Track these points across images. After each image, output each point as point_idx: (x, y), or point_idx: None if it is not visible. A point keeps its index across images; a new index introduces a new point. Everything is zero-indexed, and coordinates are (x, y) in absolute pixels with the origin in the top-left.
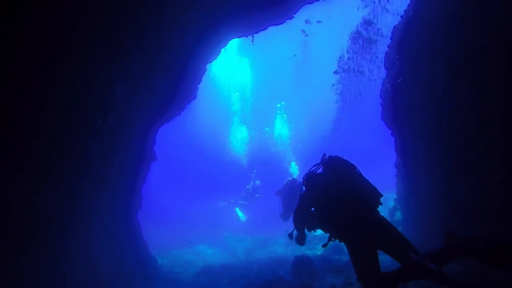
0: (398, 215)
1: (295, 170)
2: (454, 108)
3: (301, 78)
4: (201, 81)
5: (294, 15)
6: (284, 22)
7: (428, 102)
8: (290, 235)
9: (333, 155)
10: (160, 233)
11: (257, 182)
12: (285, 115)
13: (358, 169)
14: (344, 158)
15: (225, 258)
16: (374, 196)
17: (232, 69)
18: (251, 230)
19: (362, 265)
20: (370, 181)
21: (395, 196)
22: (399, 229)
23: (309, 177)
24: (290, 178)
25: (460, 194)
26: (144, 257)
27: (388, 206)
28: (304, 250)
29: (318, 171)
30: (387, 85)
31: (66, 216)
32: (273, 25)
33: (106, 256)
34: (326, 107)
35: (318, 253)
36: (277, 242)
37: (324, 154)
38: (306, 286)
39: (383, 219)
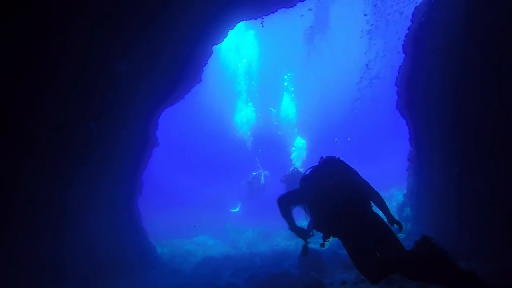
0: (408, 211)
1: (300, 143)
2: (480, 96)
3: (314, 47)
4: (207, 63)
5: None
6: (295, 5)
7: (449, 89)
8: (305, 252)
9: (328, 156)
10: (162, 221)
11: (266, 172)
12: (292, 88)
13: (352, 168)
14: (339, 158)
15: (226, 250)
16: (366, 194)
17: (238, 42)
18: (254, 222)
19: (356, 251)
20: (365, 180)
21: (405, 191)
22: (409, 225)
23: (305, 179)
24: (295, 167)
25: (482, 188)
26: (143, 245)
27: (397, 201)
28: (309, 244)
29: (314, 172)
30: (405, 72)
31: (62, 199)
32: (284, 8)
33: (105, 242)
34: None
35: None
36: (279, 235)
37: (321, 157)
38: (315, 282)
39: (374, 217)
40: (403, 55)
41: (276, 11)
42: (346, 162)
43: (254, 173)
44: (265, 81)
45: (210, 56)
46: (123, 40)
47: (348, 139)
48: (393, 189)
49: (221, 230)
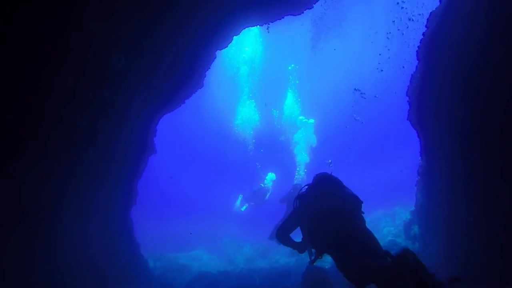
0: (416, 229)
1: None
2: (504, 102)
3: (322, 42)
4: (209, 68)
5: (313, 5)
6: (302, 13)
7: (467, 97)
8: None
9: (321, 173)
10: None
11: (271, 174)
12: (297, 81)
13: (343, 184)
14: (331, 174)
15: (223, 265)
16: (356, 209)
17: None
18: (252, 236)
19: (346, 261)
20: (355, 194)
21: (412, 208)
22: (417, 244)
23: (300, 197)
24: (293, 185)
25: (506, 204)
26: (135, 258)
27: (400, 219)
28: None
29: (308, 192)
30: (418, 80)
31: (46, 206)
32: (291, 15)
33: (93, 253)
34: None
35: (327, 266)
36: (278, 252)
37: (316, 175)
38: None
39: (363, 231)
40: (416, 63)
41: (283, 17)
42: (338, 178)
43: (262, 185)
44: (268, 76)
45: (213, 61)
46: (122, 36)
47: (329, 161)
48: (397, 207)
49: (218, 245)
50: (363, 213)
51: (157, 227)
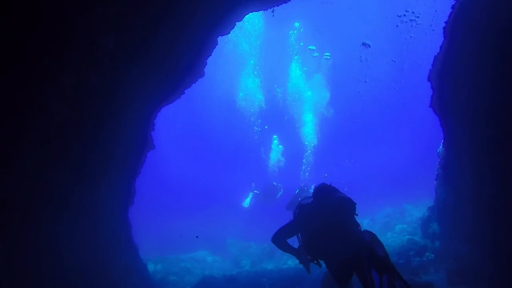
0: (435, 227)
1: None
2: None
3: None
4: (211, 55)
5: None
6: None
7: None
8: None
9: (321, 184)
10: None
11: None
12: (302, 43)
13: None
14: (331, 185)
15: (228, 268)
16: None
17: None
18: (257, 235)
19: (336, 269)
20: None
21: (432, 204)
22: (437, 243)
23: (300, 208)
24: (299, 189)
25: None
26: (131, 262)
27: (410, 216)
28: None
29: (307, 204)
30: (443, 62)
31: (28, 203)
32: None
33: (82, 258)
34: None
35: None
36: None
37: (315, 188)
38: None
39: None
40: (442, 41)
41: (289, 1)
42: (337, 189)
43: (275, 183)
44: (271, 47)
45: (215, 47)
46: (111, 14)
47: (325, 175)
48: (406, 204)
49: (222, 245)
50: (357, 215)
51: (158, 227)
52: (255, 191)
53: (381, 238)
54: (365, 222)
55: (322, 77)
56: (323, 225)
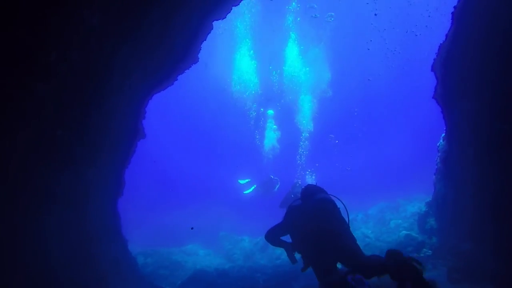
0: (432, 222)
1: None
2: None
3: None
4: (205, 39)
5: None
6: None
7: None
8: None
9: (308, 185)
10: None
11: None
12: (298, 18)
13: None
14: (316, 185)
15: (220, 262)
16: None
17: None
18: (250, 229)
19: (321, 269)
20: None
21: (429, 199)
22: (434, 239)
23: (290, 210)
24: (293, 184)
25: None
26: (120, 255)
27: (405, 212)
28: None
29: (297, 206)
30: (449, 51)
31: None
32: None
33: (66, 251)
34: None
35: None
36: None
37: (302, 190)
38: None
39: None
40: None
41: None
42: (324, 189)
43: (272, 176)
44: (266, 23)
45: (209, 32)
46: None
47: (348, 168)
48: (400, 199)
49: (214, 238)
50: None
51: (150, 219)
52: (254, 186)
53: (376, 233)
54: (359, 216)
55: (322, 51)
56: (308, 227)
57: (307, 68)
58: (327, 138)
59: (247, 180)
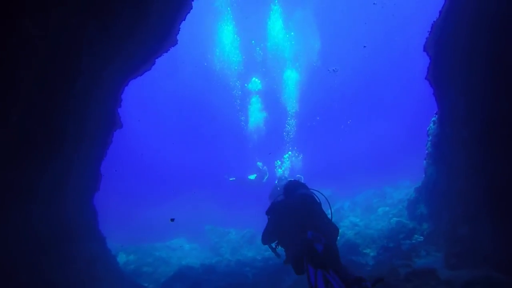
0: (422, 208)
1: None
2: None
3: None
4: (184, 19)
5: None
6: None
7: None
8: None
9: (290, 181)
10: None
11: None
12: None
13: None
14: (298, 181)
15: (207, 256)
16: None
17: None
18: (236, 222)
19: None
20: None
21: (419, 185)
22: (424, 225)
23: (273, 206)
24: (278, 177)
25: None
26: (98, 254)
27: (391, 199)
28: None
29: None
30: (443, 28)
31: None
32: None
33: (33, 252)
34: None
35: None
36: None
37: (285, 185)
38: None
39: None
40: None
41: None
42: (306, 185)
43: (260, 167)
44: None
45: (189, 11)
46: None
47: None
48: (386, 186)
49: (199, 232)
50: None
51: (132, 214)
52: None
53: (365, 221)
54: (346, 204)
55: (310, 15)
56: (288, 221)
57: (292, 33)
58: (314, 119)
59: (255, 175)
